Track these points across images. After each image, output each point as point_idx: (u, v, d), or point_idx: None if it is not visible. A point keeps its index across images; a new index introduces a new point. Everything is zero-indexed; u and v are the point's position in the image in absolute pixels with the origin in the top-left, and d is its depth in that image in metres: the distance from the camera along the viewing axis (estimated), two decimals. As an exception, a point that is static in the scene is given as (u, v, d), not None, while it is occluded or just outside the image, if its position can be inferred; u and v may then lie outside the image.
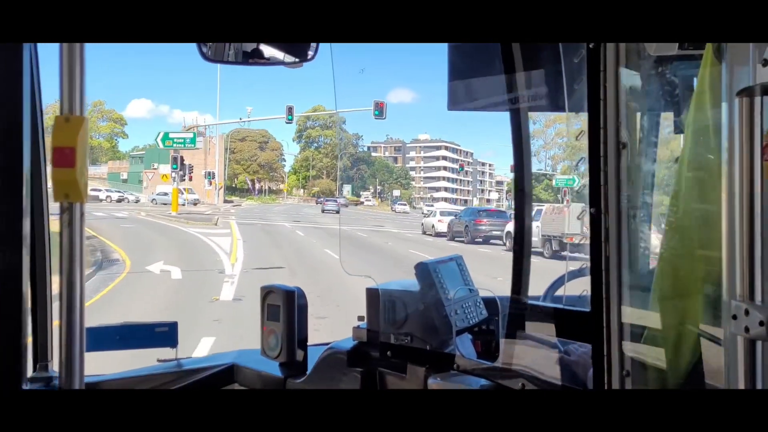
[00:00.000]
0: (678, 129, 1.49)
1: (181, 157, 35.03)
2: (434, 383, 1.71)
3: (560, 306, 1.71)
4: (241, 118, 48.49)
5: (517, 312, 1.69)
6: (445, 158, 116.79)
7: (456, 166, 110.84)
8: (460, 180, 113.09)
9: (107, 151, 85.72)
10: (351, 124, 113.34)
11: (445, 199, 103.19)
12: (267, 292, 2.11)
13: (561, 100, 1.59)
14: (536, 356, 1.63)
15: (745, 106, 0.93)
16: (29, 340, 1.59)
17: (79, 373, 1.19)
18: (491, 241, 22.17)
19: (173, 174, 35.13)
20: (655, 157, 1.53)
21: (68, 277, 1.17)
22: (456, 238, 24.29)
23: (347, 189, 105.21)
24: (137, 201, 55.49)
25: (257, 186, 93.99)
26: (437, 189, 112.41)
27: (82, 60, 1.09)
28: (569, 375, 1.53)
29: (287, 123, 35.34)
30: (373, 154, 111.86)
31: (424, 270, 1.90)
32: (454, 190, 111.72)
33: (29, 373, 1.68)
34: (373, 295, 1.95)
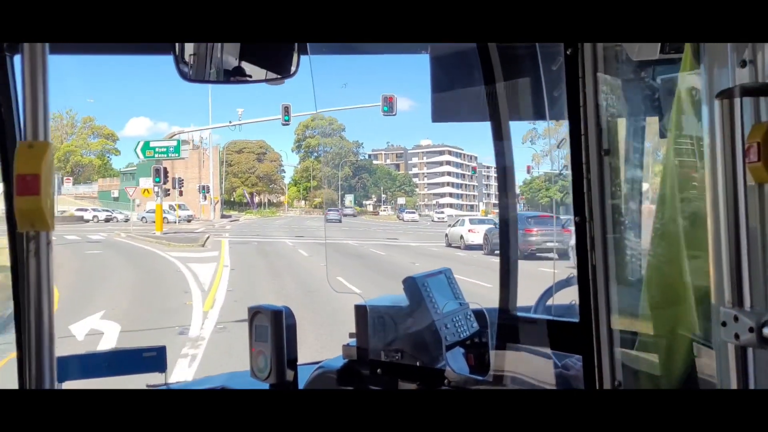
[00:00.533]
0: (662, 134, 1.46)
1: (164, 169, 30.23)
2: None
3: (550, 317, 1.66)
4: (231, 122, 42.88)
5: (506, 324, 1.65)
6: (449, 163, 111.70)
7: (460, 170, 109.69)
8: (465, 185, 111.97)
9: (99, 169, 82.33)
10: (351, 131, 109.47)
11: (450, 205, 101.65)
12: (254, 312, 2.06)
13: (542, 109, 1.59)
14: (527, 369, 1.60)
15: (725, 108, 0.94)
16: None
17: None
18: (537, 255, 16.25)
19: (156, 188, 29.58)
20: (639, 162, 1.52)
21: (36, 308, 1.12)
22: (496, 251, 18.38)
23: (349, 198, 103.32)
24: (126, 220, 51.96)
25: (256, 199, 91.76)
26: (442, 195, 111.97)
27: (45, 81, 1.04)
28: (559, 386, 1.50)
29: (284, 124, 29.83)
30: (374, 162, 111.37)
31: (412, 285, 1.87)
32: (459, 196, 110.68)
33: None
34: (361, 312, 1.92)
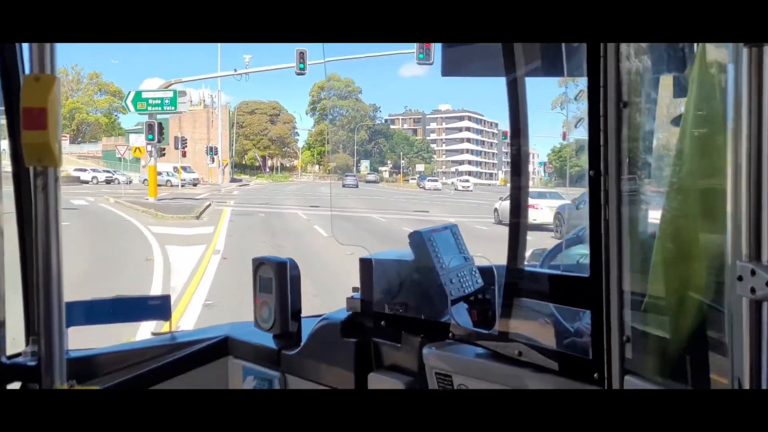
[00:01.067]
0: (680, 86, 1.43)
1: (159, 125, 24.80)
2: (429, 353, 1.72)
3: (558, 272, 1.65)
4: (236, 70, 37.25)
5: (513, 280, 1.63)
6: (468, 129, 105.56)
7: (480, 137, 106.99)
8: (485, 152, 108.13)
9: (106, 128, 79.16)
10: (368, 94, 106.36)
11: (469, 173, 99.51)
12: (258, 263, 2.11)
13: (560, 64, 1.55)
14: (533, 324, 1.60)
15: (754, 56, 0.91)
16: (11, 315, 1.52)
17: (59, 346, 1.17)
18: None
19: (149, 147, 24.43)
20: (655, 115, 1.46)
21: (44, 246, 1.14)
22: (577, 234, 13.88)
23: (365, 164, 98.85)
24: (129, 182, 47.98)
25: (269, 163, 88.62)
26: (460, 162, 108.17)
27: None
28: (567, 343, 1.51)
29: (299, 74, 24.52)
30: (391, 126, 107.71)
31: (418, 239, 1.89)
32: (478, 163, 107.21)
33: (20, 347, 1.65)
34: (366, 264, 1.95)
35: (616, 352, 1.33)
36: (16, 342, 1.57)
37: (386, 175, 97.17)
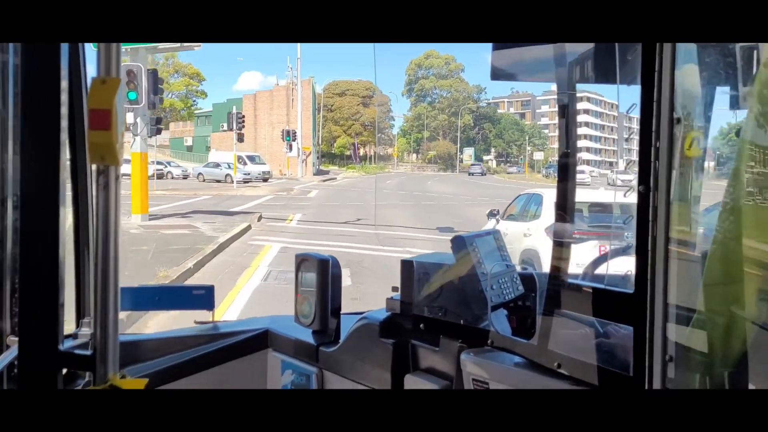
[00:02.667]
0: (736, 103, 1.45)
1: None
2: (467, 359, 1.77)
3: (601, 286, 1.66)
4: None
5: (555, 289, 1.66)
6: (586, 112, 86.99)
7: (599, 121, 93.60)
8: (605, 138, 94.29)
9: (183, 114, 74.11)
10: (471, 73, 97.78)
11: (587, 162, 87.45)
12: (301, 260, 2.19)
13: (612, 72, 1.56)
14: (573, 336, 1.62)
15: None
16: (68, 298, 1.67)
17: (113, 333, 1.26)
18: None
19: (137, 124, 9.43)
20: (708, 133, 1.48)
21: (104, 237, 1.21)
22: None
23: (468, 152, 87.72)
24: (185, 177, 42.42)
25: (360, 152, 78.49)
26: (578, 149, 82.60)
27: None
28: (607, 358, 1.54)
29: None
30: (498, 111, 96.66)
31: (460, 243, 1.92)
32: (597, 151, 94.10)
33: (71, 329, 1.85)
34: (407, 266, 2.00)
35: (658, 370, 1.33)
36: (67, 322, 1.61)
37: (492, 164, 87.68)
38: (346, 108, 77.17)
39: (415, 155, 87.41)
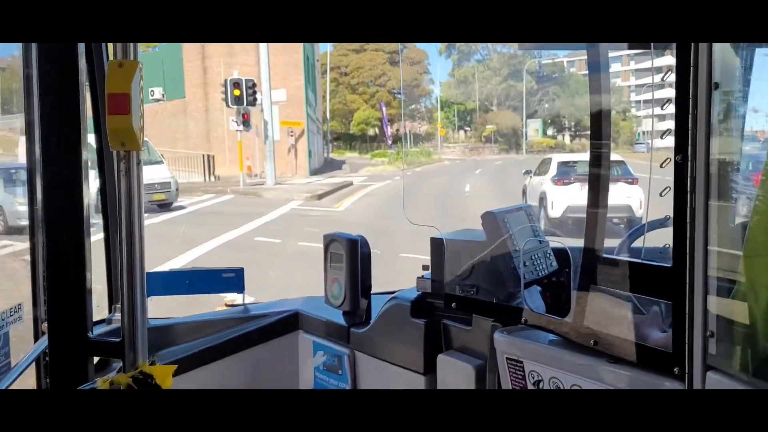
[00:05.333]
0: None
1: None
2: (501, 337, 1.73)
3: (638, 260, 1.60)
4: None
5: (590, 265, 1.61)
6: (672, 70, 55.78)
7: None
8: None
9: None
10: None
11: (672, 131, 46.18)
12: (330, 240, 2.15)
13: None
14: (610, 313, 1.56)
15: None
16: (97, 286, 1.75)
17: (141, 319, 1.27)
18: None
19: None
20: (747, 98, 1.41)
21: (128, 223, 1.22)
22: None
23: (534, 126, 61.20)
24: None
25: (389, 131, 52.66)
26: (662, 117, 53.97)
27: None
28: (646, 334, 1.49)
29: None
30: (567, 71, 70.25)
31: (491, 220, 1.86)
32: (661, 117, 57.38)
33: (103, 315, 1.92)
34: (437, 244, 1.94)
35: (698, 346, 1.28)
36: (100, 309, 1.69)
37: (566, 139, 62.40)
38: (367, 69, 52.59)
39: (462, 132, 62.41)
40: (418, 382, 1.92)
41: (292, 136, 27.05)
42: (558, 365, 1.57)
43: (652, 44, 1.48)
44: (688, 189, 1.23)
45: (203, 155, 23.82)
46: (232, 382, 2.16)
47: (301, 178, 25.97)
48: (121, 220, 1.19)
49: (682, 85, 1.23)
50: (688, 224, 1.24)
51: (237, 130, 20.67)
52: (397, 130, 56.40)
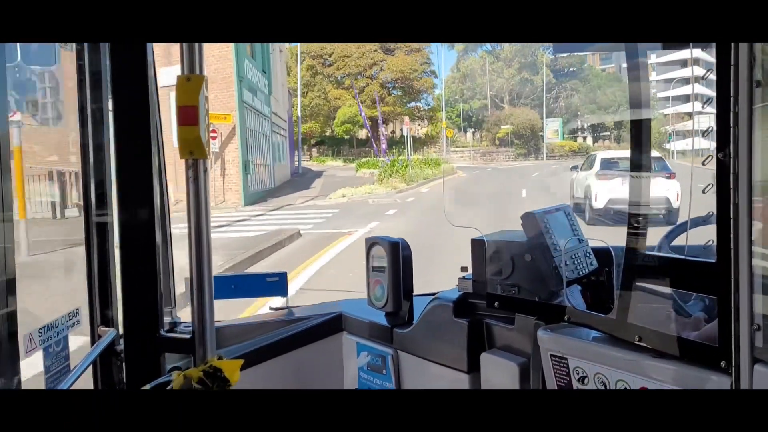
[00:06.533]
0: None
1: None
2: (544, 335, 1.72)
3: (681, 256, 1.58)
4: None
5: (633, 262, 1.59)
6: (698, 63, 42.09)
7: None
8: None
9: None
10: None
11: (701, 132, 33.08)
12: (372, 243, 2.17)
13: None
14: (654, 309, 1.56)
15: None
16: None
17: (209, 317, 1.31)
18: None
19: None
20: None
21: (196, 228, 1.26)
22: None
23: (552, 126, 50.35)
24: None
25: (384, 130, 40.88)
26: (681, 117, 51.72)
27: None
28: (691, 329, 1.50)
29: None
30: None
31: (531, 220, 1.87)
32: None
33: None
34: (478, 245, 1.96)
35: (745, 339, 1.28)
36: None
37: (587, 140, 53.30)
38: (354, 57, 41.90)
39: (470, 134, 51.76)
40: (462, 380, 1.92)
41: (214, 138, 16.71)
42: (603, 361, 1.57)
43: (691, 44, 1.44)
44: (731, 186, 1.24)
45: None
46: (279, 383, 2.19)
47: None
48: (189, 224, 1.23)
49: (722, 83, 1.23)
50: (731, 220, 1.25)
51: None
52: (393, 132, 45.79)
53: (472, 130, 54.91)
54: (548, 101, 53.99)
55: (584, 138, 55.45)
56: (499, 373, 1.81)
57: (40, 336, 1.49)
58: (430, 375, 2.01)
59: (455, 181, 26.65)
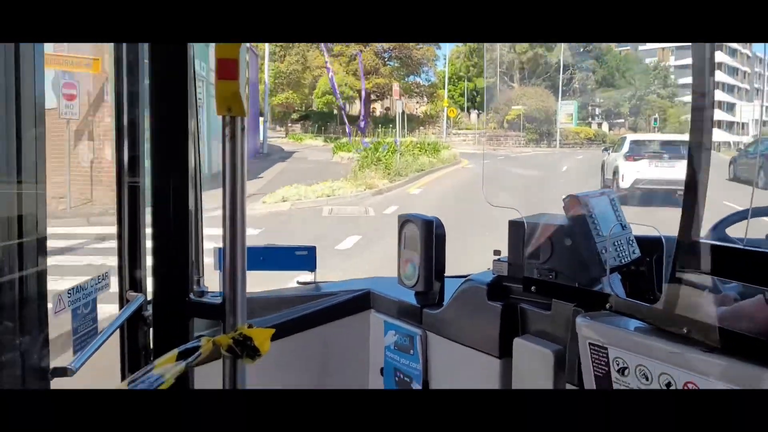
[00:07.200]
0: None
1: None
2: (583, 322, 1.63)
3: (739, 246, 1.49)
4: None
5: (684, 252, 1.49)
6: (719, 48, 35.69)
7: (735, 63, 52.41)
8: (738, 88, 53.25)
9: None
10: None
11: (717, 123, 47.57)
12: (404, 221, 2.10)
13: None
14: (705, 300, 1.47)
15: None
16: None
17: (241, 285, 1.28)
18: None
19: None
20: None
21: (231, 189, 1.22)
22: None
23: (568, 110, 37.90)
24: None
25: (371, 108, 36.45)
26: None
27: None
28: (745, 323, 1.40)
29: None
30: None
31: (574, 203, 1.80)
32: (730, 107, 51.76)
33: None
34: (517, 227, 1.87)
35: None
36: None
37: (603, 127, 45.55)
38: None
39: (475, 114, 45.52)
40: (492, 365, 1.87)
41: (71, 98, 10.17)
42: (646, 352, 1.49)
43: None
44: None
45: None
46: (304, 358, 2.15)
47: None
48: (224, 186, 1.20)
49: None
50: None
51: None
52: (387, 109, 39.53)
53: (477, 111, 48.65)
54: (563, 82, 47.79)
55: (599, 125, 49.37)
56: (532, 359, 1.74)
57: (69, 297, 1.48)
58: (460, 358, 1.95)
59: (460, 176, 20.27)
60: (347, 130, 25.60)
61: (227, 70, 1.08)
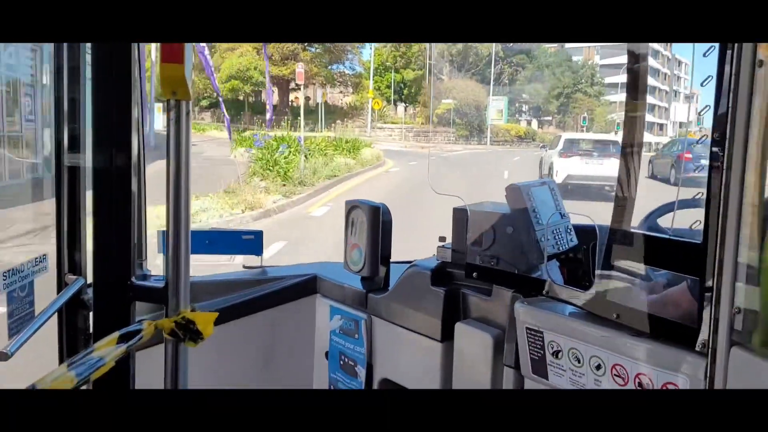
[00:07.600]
0: None
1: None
2: (521, 307, 1.72)
3: (666, 236, 1.59)
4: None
5: (616, 240, 1.58)
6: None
7: (660, 65, 53.21)
8: (658, 90, 54.88)
9: None
10: None
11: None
12: (351, 207, 2.12)
13: None
14: (635, 287, 1.55)
15: None
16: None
17: (184, 268, 1.28)
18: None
19: None
20: None
21: (175, 175, 1.21)
22: None
23: (497, 106, 39.59)
24: None
25: (293, 98, 33.58)
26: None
27: None
28: (671, 309, 1.48)
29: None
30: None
31: (515, 192, 1.86)
32: (650, 107, 51.80)
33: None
34: (460, 215, 1.93)
35: (724, 322, 1.26)
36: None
37: (533, 124, 45.95)
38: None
39: (402, 108, 42.82)
40: (434, 348, 1.92)
41: None
42: (579, 336, 1.56)
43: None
44: (724, 166, 1.21)
45: None
46: (250, 342, 2.15)
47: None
48: (168, 170, 1.19)
49: (722, 61, 1.20)
50: (720, 201, 1.23)
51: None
52: (308, 98, 35.91)
53: (404, 104, 45.85)
54: (498, 77, 45.83)
55: (528, 122, 47.83)
56: (472, 343, 1.79)
57: (4, 280, 1.45)
58: (403, 342, 2.00)
59: (383, 184, 17.05)
60: (227, 125, 20.13)
61: (173, 53, 1.07)
